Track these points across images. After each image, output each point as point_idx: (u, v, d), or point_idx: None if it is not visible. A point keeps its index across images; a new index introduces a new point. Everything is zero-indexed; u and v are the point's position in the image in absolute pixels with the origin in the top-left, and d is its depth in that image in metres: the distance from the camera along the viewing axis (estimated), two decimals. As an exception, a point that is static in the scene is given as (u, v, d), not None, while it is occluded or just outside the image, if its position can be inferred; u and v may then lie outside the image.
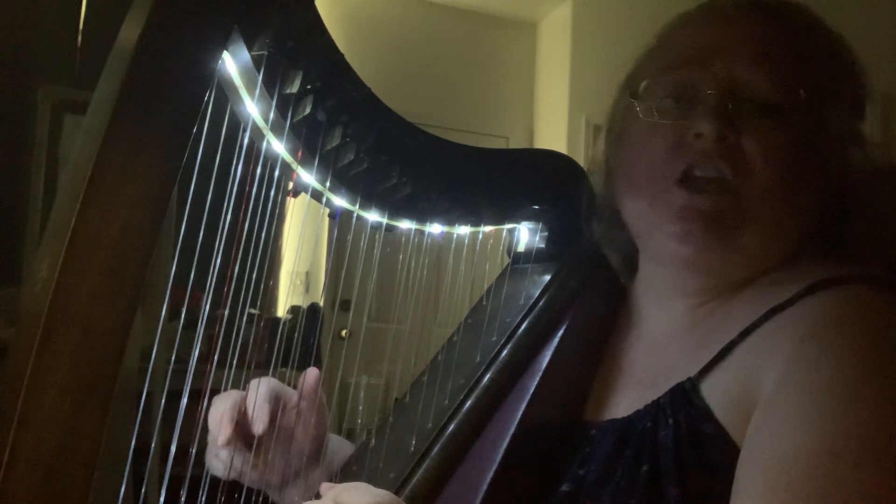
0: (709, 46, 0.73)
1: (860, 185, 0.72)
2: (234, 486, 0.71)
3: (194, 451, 0.63)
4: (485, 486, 0.67)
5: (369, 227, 0.72)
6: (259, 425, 0.71)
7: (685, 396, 0.66)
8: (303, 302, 3.34)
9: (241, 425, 0.72)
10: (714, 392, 0.65)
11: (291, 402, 0.77)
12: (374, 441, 0.78)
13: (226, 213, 0.57)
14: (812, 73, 0.71)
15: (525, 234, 0.89)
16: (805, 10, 0.75)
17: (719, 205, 0.69)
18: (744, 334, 0.67)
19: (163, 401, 0.57)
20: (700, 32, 0.75)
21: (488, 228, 0.81)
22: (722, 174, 0.69)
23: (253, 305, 0.63)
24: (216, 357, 0.62)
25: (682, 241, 0.71)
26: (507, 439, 0.70)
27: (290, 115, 0.61)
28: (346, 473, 0.77)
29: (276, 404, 0.73)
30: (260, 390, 0.72)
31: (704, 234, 0.69)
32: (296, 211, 0.67)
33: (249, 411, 0.72)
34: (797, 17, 0.74)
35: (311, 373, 0.78)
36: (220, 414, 0.71)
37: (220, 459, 0.73)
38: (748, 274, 0.73)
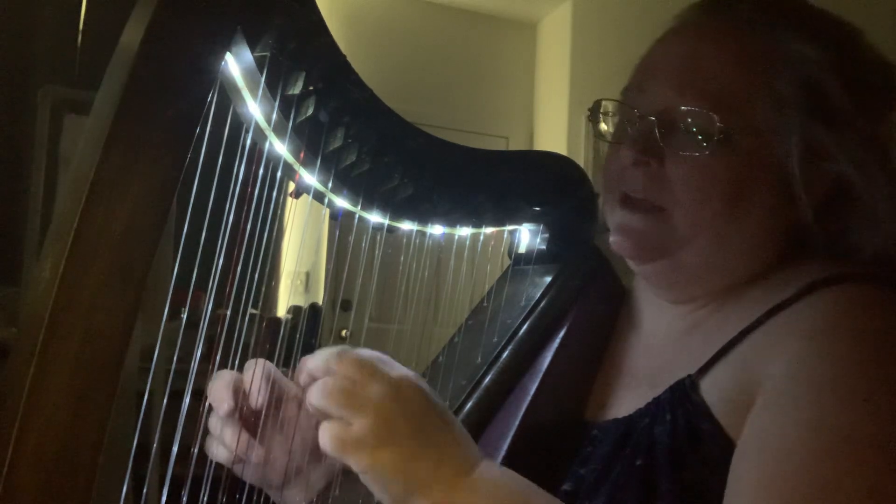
0: (650, 68, 0.75)
1: (854, 188, 0.70)
2: (234, 486, 0.71)
3: (196, 451, 0.62)
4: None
5: (371, 229, 0.72)
6: (259, 398, 0.70)
7: (684, 393, 0.67)
8: (304, 302, 3.34)
9: (241, 404, 0.71)
10: (713, 389, 0.66)
11: (291, 393, 0.76)
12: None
13: (228, 214, 0.58)
14: (760, 89, 0.68)
15: (526, 236, 0.89)
16: (781, 16, 0.72)
17: (646, 225, 0.72)
18: (744, 333, 0.67)
19: (164, 401, 0.57)
20: (651, 53, 0.76)
21: (489, 230, 0.81)
22: (649, 197, 0.71)
23: (254, 306, 0.63)
24: (217, 357, 0.62)
25: (620, 253, 0.76)
26: (508, 440, 0.71)
27: (292, 116, 0.61)
28: (346, 473, 0.77)
29: (275, 384, 0.73)
30: (257, 368, 0.72)
31: (634, 250, 0.74)
32: (297, 212, 0.67)
33: (247, 388, 0.71)
34: (760, 27, 0.71)
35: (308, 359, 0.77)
36: (219, 386, 0.70)
37: (222, 443, 0.72)
38: (712, 286, 0.73)
